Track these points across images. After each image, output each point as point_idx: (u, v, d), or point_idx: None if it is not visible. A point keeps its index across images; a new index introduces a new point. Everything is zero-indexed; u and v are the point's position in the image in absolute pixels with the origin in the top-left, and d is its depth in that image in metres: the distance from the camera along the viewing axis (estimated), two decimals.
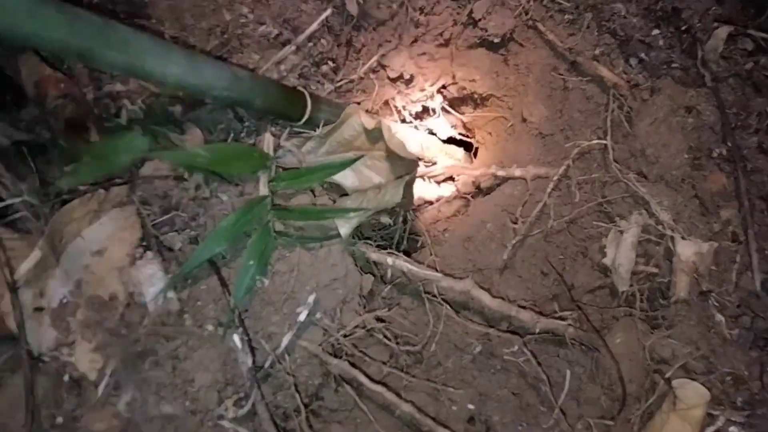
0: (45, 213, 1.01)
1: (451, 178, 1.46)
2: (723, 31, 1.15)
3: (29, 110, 1.15)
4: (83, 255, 0.95)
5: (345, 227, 1.04)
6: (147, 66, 0.71)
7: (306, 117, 1.08)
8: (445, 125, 1.61)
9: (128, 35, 0.65)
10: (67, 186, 1.01)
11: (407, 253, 1.18)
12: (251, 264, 0.93)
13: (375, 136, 1.14)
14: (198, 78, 0.81)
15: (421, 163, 1.44)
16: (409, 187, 1.13)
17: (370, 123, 1.13)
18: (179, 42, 1.26)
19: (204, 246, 0.92)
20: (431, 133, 1.61)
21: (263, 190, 1.04)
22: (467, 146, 1.68)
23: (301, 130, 1.15)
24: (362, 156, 1.12)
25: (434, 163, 1.46)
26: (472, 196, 1.38)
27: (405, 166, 1.15)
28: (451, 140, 1.65)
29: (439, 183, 1.46)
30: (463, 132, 1.65)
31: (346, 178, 1.14)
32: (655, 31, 1.24)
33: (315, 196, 1.12)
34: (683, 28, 1.26)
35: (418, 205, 1.37)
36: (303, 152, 1.14)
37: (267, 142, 1.12)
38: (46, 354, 0.90)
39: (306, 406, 0.89)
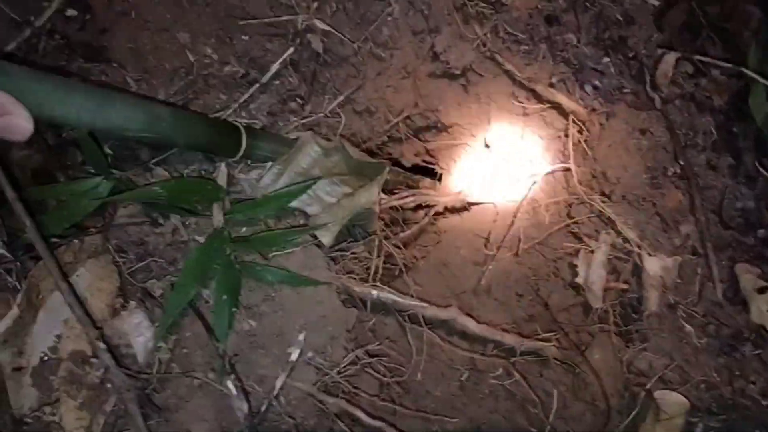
0: (17, 268, 0.98)
1: (421, 206, 1.49)
2: (671, 57, 1.24)
3: None
4: (62, 309, 0.92)
5: (326, 236, 1.05)
6: (45, 111, 0.66)
7: (242, 152, 1.06)
8: (409, 153, 1.64)
9: (15, 76, 0.61)
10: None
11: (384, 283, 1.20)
12: (224, 299, 0.93)
13: (333, 155, 1.16)
14: (106, 121, 0.77)
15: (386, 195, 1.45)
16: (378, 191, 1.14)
17: (327, 144, 1.15)
18: (142, 86, 1.26)
19: (176, 291, 0.91)
20: (396, 162, 1.64)
21: (218, 221, 1.03)
22: (432, 173, 1.71)
23: (256, 165, 1.15)
24: (319, 179, 1.14)
25: (402, 193, 1.48)
26: (443, 222, 1.42)
27: (373, 171, 1.17)
28: (415, 168, 1.68)
29: (408, 210, 1.49)
30: (428, 159, 1.69)
31: (309, 206, 1.14)
32: (606, 59, 1.32)
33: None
34: (630, 55, 1.34)
35: (392, 233, 1.39)
36: (261, 187, 1.14)
37: (221, 174, 1.12)
38: (28, 415, 0.86)
39: None
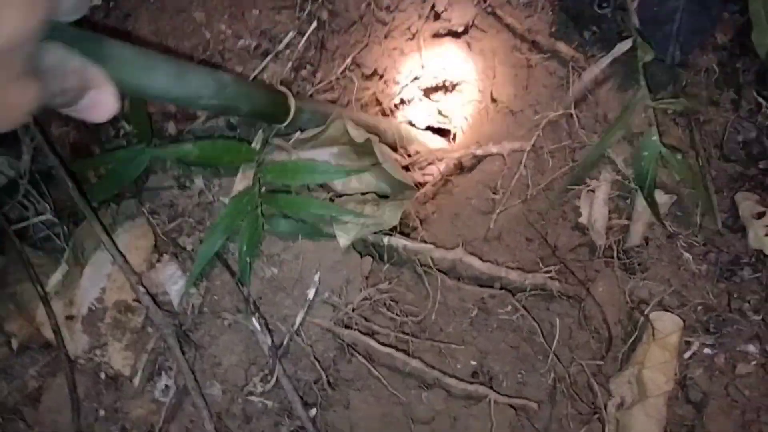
0: (63, 231, 1.09)
1: (432, 162, 1.55)
2: None
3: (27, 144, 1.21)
4: (105, 265, 1.03)
5: (344, 238, 1.07)
6: (131, 79, 0.65)
7: (290, 117, 1.09)
8: (422, 114, 1.71)
9: (109, 47, 0.59)
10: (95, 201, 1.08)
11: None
12: (245, 250, 1.01)
13: (364, 150, 1.17)
14: (184, 88, 0.77)
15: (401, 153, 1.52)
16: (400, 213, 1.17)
17: (358, 136, 1.15)
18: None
19: (207, 241, 1.00)
20: (411, 123, 1.71)
21: (248, 179, 1.09)
22: (445, 133, 1.77)
23: (288, 132, 1.22)
24: (349, 171, 1.15)
25: (417, 152, 1.55)
26: (455, 176, 1.48)
27: (400, 189, 1.21)
28: (429, 128, 1.74)
29: (423, 168, 1.55)
30: (440, 119, 1.74)
31: (335, 182, 1.18)
32: (604, 5, 1.35)
33: (309, 190, 1.20)
34: None
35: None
36: (291, 145, 1.20)
37: (257, 139, 1.19)
38: (81, 357, 0.98)
39: (327, 375, 0.98)
